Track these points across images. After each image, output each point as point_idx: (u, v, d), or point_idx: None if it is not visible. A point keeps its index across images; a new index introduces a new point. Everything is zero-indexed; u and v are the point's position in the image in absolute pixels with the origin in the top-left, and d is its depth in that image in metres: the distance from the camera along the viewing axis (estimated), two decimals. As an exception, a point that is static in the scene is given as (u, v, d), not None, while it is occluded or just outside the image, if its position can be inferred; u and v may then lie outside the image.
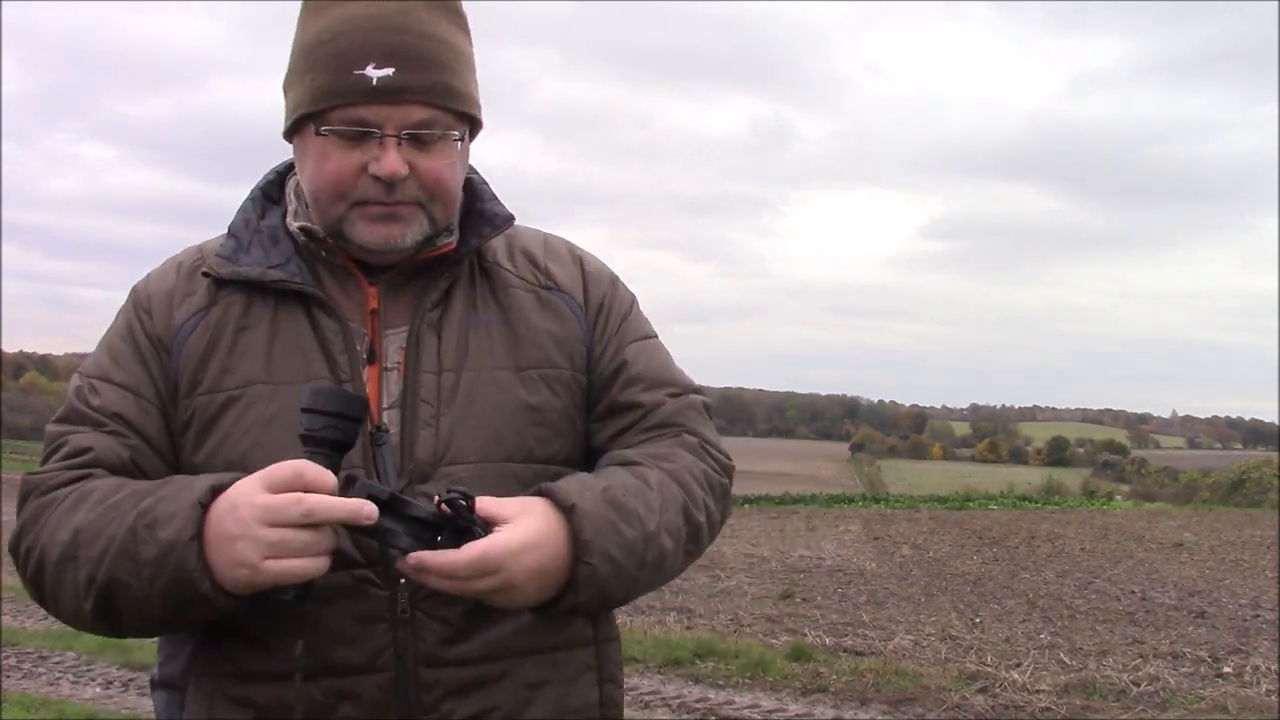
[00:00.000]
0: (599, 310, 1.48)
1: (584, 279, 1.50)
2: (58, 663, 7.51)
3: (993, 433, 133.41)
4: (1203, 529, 19.79)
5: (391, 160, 1.31)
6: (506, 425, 1.36)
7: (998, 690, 7.03)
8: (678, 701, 6.80)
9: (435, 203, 1.36)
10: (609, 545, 1.26)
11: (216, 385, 1.35)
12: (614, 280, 1.54)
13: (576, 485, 1.28)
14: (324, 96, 1.32)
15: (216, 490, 1.20)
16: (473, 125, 1.42)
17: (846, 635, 9.03)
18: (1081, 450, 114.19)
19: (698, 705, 6.72)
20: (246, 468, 1.24)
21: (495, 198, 1.48)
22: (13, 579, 11.25)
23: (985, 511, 26.12)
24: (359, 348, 1.36)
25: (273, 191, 1.48)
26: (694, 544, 1.40)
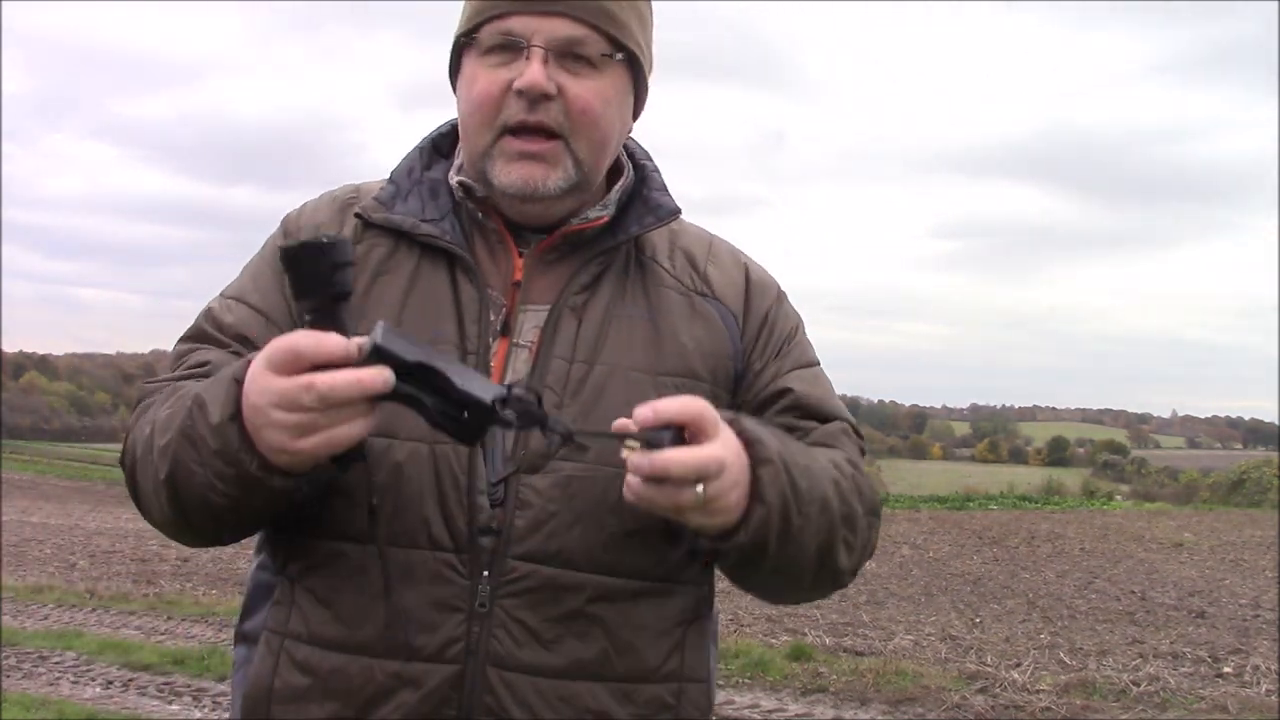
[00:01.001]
0: (760, 326, 1.40)
1: (746, 290, 1.41)
2: (58, 663, 7.50)
3: (993, 433, 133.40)
4: (1203, 529, 19.78)
5: (535, 70, 1.26)
6: None
7: (998, 690, 7.03)
8: (678, 701, 6.80)
9: (580, 137, 1.30)
10: (783, 453, 1.21)
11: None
12: (780, 296, 1.45)
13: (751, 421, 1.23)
14: (476, 13, 1.31)
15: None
16: (636, 77, 1.37)
17: (846, 635, 9.03)
18: (1081, 450, 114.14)
19: (698, 705, 6.71)
20: None
21: (665, 188, 1.42)
22: (13, 579, 11.26)
23: (985, 511, 26.12)
24: (493, 318, 1.32)
25: (443, 145, 1.44)
26: (851, 532, 1.30)
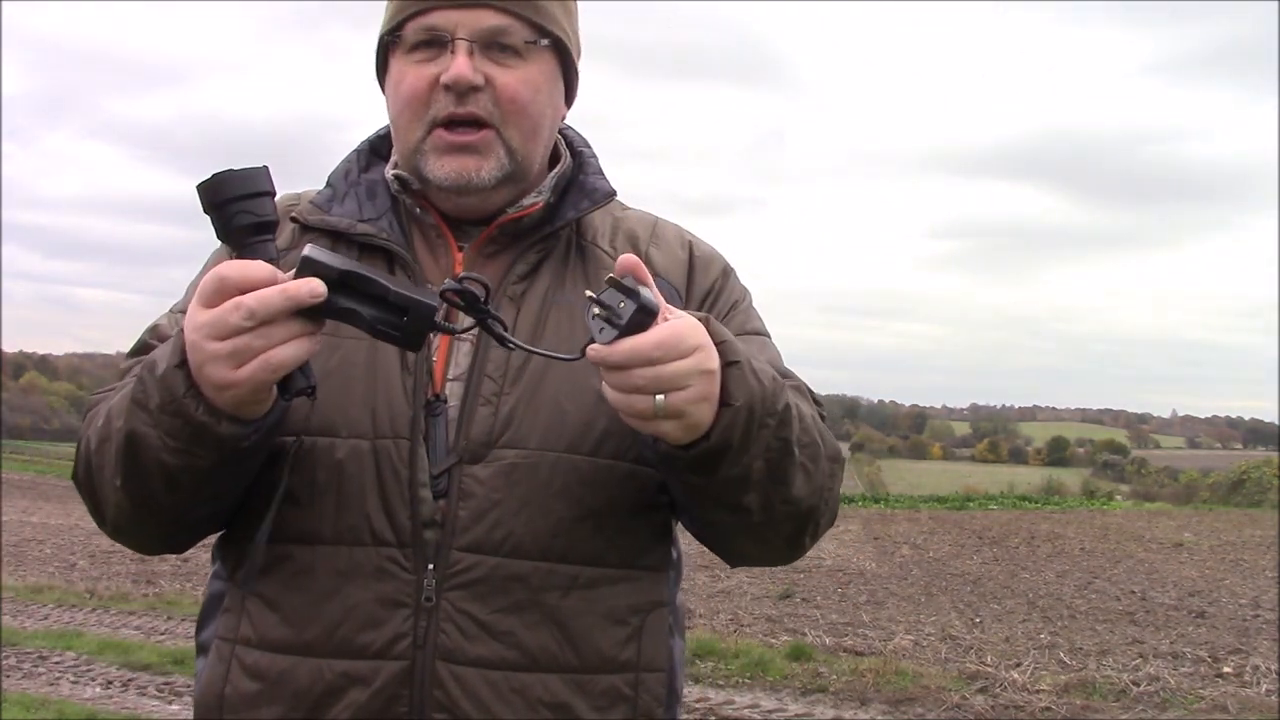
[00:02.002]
0: (704, 299, 1.39)
1: (690, 266, 1.41)
2: (58, 663, 7.51)
3: (993, 433, 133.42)
4: (1203, 529, 19.79)
5: (460, 64, 1.26)
6: (574, 413, 1.26)
7: (998, 690, 7.03)
8: (678, 701, 6.80)
9: (510, 125, 1.30)
10: (749, 357, 1.16)
11: None
12: (726, 270, 1.44)
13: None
14: (398, 11, 1.31)
15: None
16: (565, 63, 1.37)
17: (846, 635, 9.03)
18: (1081, 450, 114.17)
19: (698, 705, 6.72)
20: (305, 419, 1.23)
21: (601, 172, 1.42)
22: (13, 579, 11.26)
23: (985, 511, 26.12)
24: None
25: (381, 147, 1.44)
26: (810, 460, 1.24)
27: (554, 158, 1.41)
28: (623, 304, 1.08)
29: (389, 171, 1.39)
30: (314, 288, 1.06)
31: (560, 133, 1.44)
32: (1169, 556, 15.58)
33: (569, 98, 1.41)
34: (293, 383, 1.13)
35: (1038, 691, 6.98)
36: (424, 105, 1.29)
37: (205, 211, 1.11)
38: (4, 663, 7.27)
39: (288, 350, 1.08)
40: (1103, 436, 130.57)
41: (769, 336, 1.45)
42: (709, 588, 12.13)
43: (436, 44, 1.29)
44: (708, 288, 1.40)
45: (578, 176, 1.40)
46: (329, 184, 1.40)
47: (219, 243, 1.19)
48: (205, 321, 1.08)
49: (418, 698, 1.21)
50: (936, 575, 13.45)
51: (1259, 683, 7.27)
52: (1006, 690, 7.02)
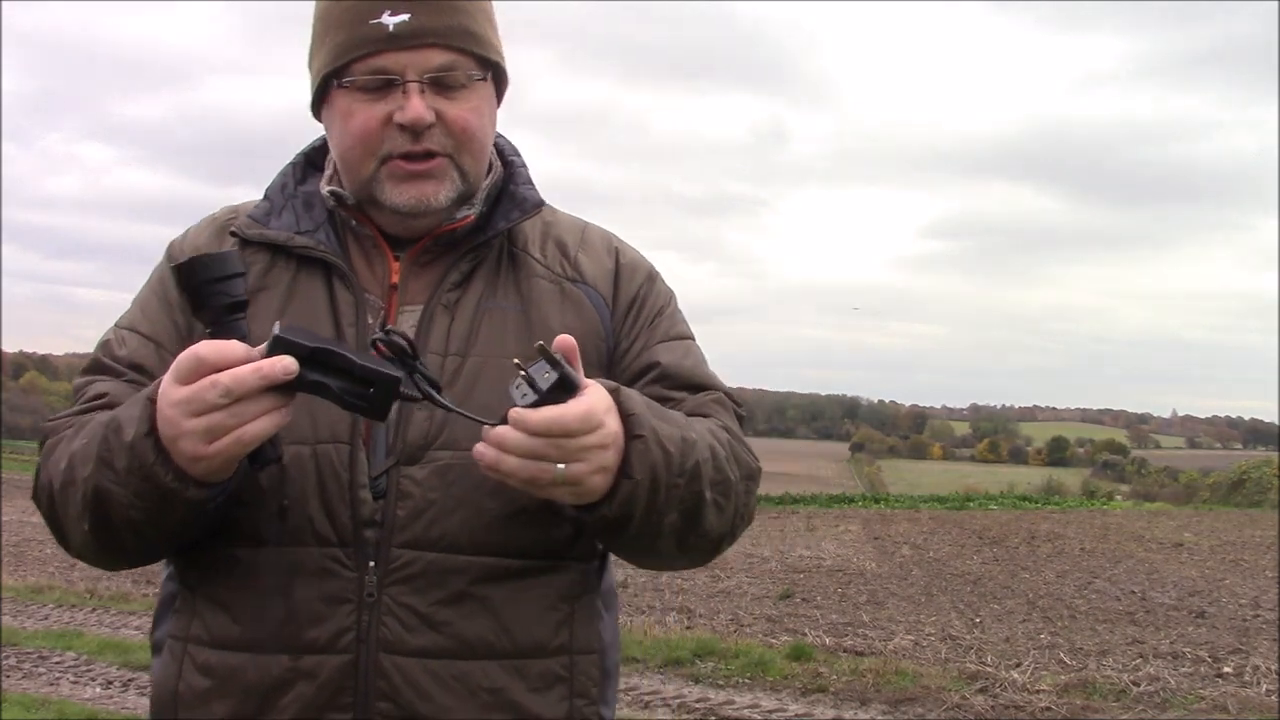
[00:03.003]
0: (630, 305, 1.45)
1: (616, 272, 1.47)
2: (58, 663, 7.51)
3: (993, 433, 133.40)
4: (1203, 529, 19.78)
5: (416, 105, 1.31)
6: (504, 416, 1.29)
7: (998, 690, 7.03)
8: (678, 701, 6.80)
9: (464, 153, 1.36)
10: (657, 429, 1.23)
11: None
12: (651, 275, 1.50)
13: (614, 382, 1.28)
14: (344, 51, 1.33)
15: None
16: (498, 80, 1.42)
17: (846, 635, 9.04)
18: (1081, 450, 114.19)
19: (698, 705, 6.72)
20: None
21: (530, 181, 1.46)
22: (13, 579, 11.26)
23: (985, 511, 26.12)
24: (371, 321, 1.36)
25: (317, 159, 1.48)
26: (723, 496, 1.32)
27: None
28: (547, 374, 1.16)
29: (324, 188, 1.42)
30: (287, 365, 1.12)
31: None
32: (1169, 556, 15.58)
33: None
34: (262, 453, 1.20)
35: (1038, 691, 6.98)
36: (378, 142, 1.34)
37: (180, 291, 1.17)
38: (4, 663, 7.27)
39: (259, 426, 1.14)
40: (1103, 436, 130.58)
41: (693, 339, 1.51)
42: (709, 588, 12.14)
43: (385, 84, 1.33)
44: (633, 294, 1.46)
45: (508, 186, 1.45)
46: (266, 197, 1.45)
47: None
48: (181, 398, 1.13)
49: (362, 689, 1.27)
50: (936, 575, 13.45)
51: (1259, 683, 7.27)
52: (1006, 690, 7.02)
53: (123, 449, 1.19)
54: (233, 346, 1.14)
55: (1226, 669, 7.69)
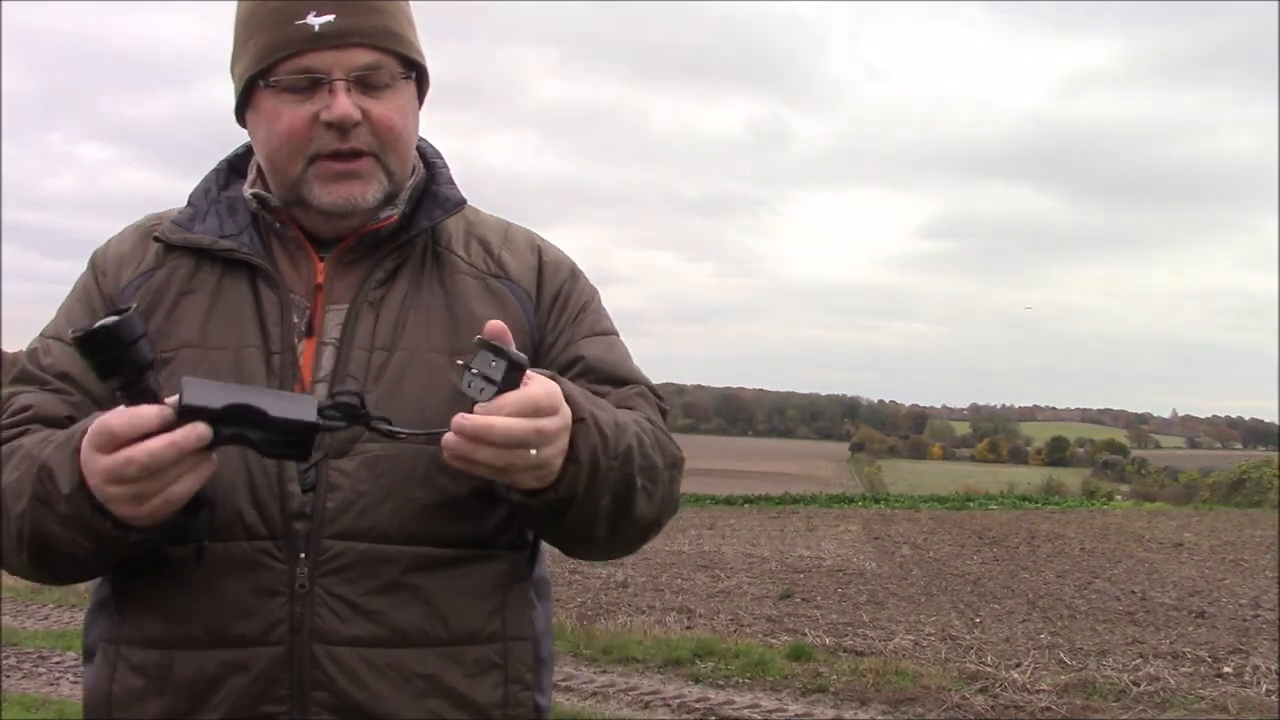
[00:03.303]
0: (554, 301, 1.47)
1: (540, 269, 1.49)
2: (58, 663, 7.51)
3: (993, 433, 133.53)
4: (1203, 529, 19.80)
5: (342, 103, 1.33)
6: (433, 408, 1.32)
7: (998, 690, 7.03)
8: (678, 701, 6.81)
9: (389, 152, 1.37)
10: (595, 412, 1.26)
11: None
12: (574, 272, 1.52)
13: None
14: (269, 52, 1.34)
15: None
16: (420, 81, 1.44)
17: (846, 635, 9.04)
18: (1081, 450, 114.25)
19: (698, 705, 6.73)
20: None
21: (451, 181, 1.49)
22: (13, 579, 11.25)
23: (985, 511, 26.13)
24: (297, 320, 1.37)
25: (240, 165, 1.49)
26: (651, 482, 1.35)
27: None
28: (494, 363, 1.16)
29: (247, 191, 1.44)
30: (200, 434, 1.13)
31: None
32: (1169, 556, 15.59)
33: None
34: (196, 501, 1.21)
35: (1038, 691, 6.98)
36: (305, 141, 1.34)
37: (85, 358, 1.15)
38: (4, 663, 7.27)
39: (184, 485, 1.16)
40: (1103, 436, 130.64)
41: (617, 335, 1.53)
42: (709, 588, 12.14)
43: (311, 84, 1.34)
44: (556, 289, 1.48)
45: (431, 187, 1.47)
46: (190, 203, 1.46)
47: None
48: (102, 469, 1.15)
49: (296, 679, 1.28)
50: (936, 575, 13.46)
51: (1259, 683, 7.27)
52: (1006, 690, 7.03)
53: (61, 499, 1.21)
54: (144, 417, 1.13)
55: (1226, 669, 7.69)
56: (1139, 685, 7.09)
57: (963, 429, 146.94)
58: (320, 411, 1.17)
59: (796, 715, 6.55)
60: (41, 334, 1.44)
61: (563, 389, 1.23)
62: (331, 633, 1.28)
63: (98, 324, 1.13)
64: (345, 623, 1.29)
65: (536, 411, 1.17)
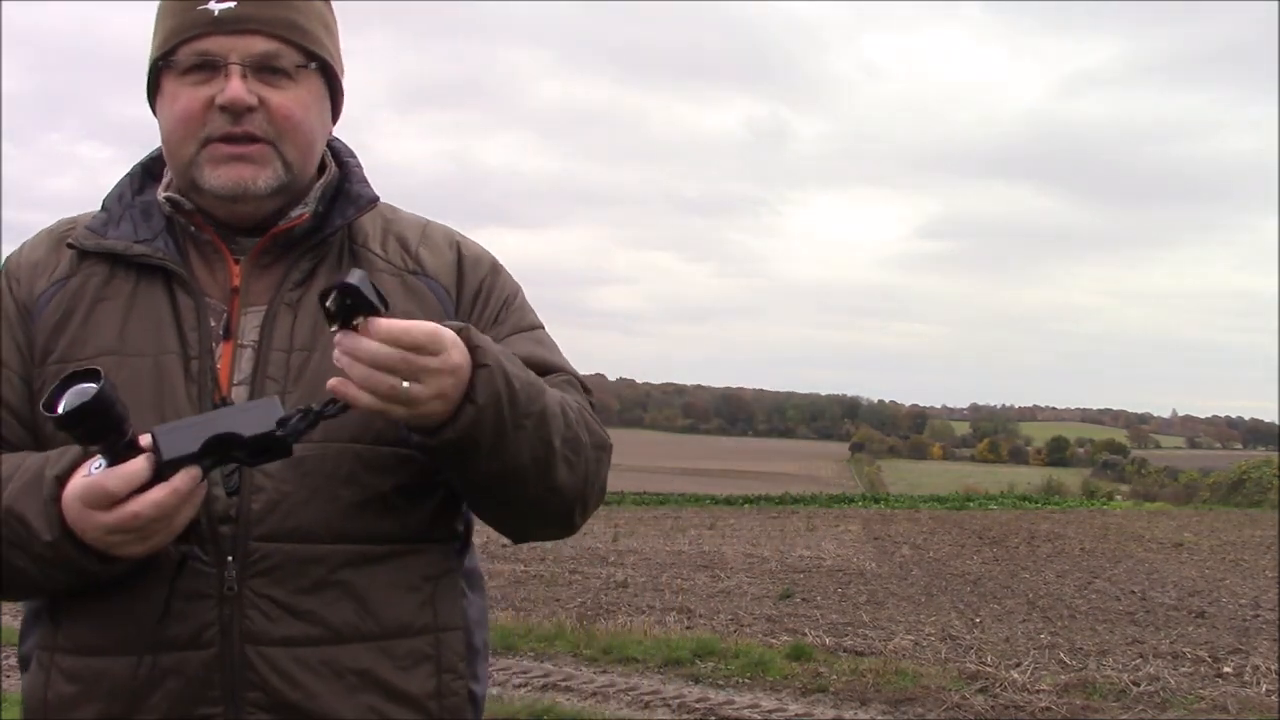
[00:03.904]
0: (475, 296, 1.47)
1: (459, 265, 1.49)
2: (58, 663, 7.51)
3: (993, 433, 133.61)
4: (1203, 529, 19.81)
5: (235, 86, 1.34)
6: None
7: (998, 690, 7.03)
8: (678, 701, 6.80)
9: (286, 141, 1.37)
10: (503, 362, 1.27)
11: (67, 355, 1.36)
12: (495, 267, 1.52)
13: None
14: (171, 35, 1.37)
15: (61, 480, 1.23)
16: (329, 77, 1.44)
17: (846, 635, 9.04)
18: (1081, 450, 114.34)
19: (698, 705, 6.72)
20: None
21: (365, 180, 1.49)
22: (13, 579, 11.25)
23: (985, 511, 26.14)
24: (214, 324, 1.38)
25: (155, 169, 1.49)
26: (573, 453, 1.36)
27: (321, 168, 1.48)
28: (348, 301, 1.18)
29: (161, 194, 1.44)
30: (194, 475, 1.18)
31: (327, 145, 1.50)
32: (1169, 556, 15.60)
33: (336, 113, 1.49)
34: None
35: (1038, 691, 6.98)
36: (199, 124, 1.36)
37: (67, 430, 1.17)
38: (4, 663, 7.27)
39: (183, 517, 1.21)
40: (1103, 436, 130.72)
41: (543, 329, 1.53)
42: (709, 588, 12.14)
43: (209, 67, 1.36)
44: (477, 285, 1.48)
45: (344, 185, 1.47)
46: (104, 207, 1.46)
47: None
48: (107, 525, 1.19)
49: (229, 681, 1.29)
50: (936, 575, 13.46)
51: (1259, 683, 7.27)
52: (1006, 690, 7.02)
53: (44, 547, 1.23)
54: (136, 474, 1.17)
55: (1226, 669, 7.69)
56: (1139, 685, 7.09)
57: (963, 429, 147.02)
58: (280, 423, 1.20)
59: (796, 715, 6.55)
60: None
61: (473, 339, 1.25)
62: (262, 634, 1.29)
63: (75, 404, 1.14)
64: (275, 623, 1.29)
65: (412, 346, 1.18)
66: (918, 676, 7.25)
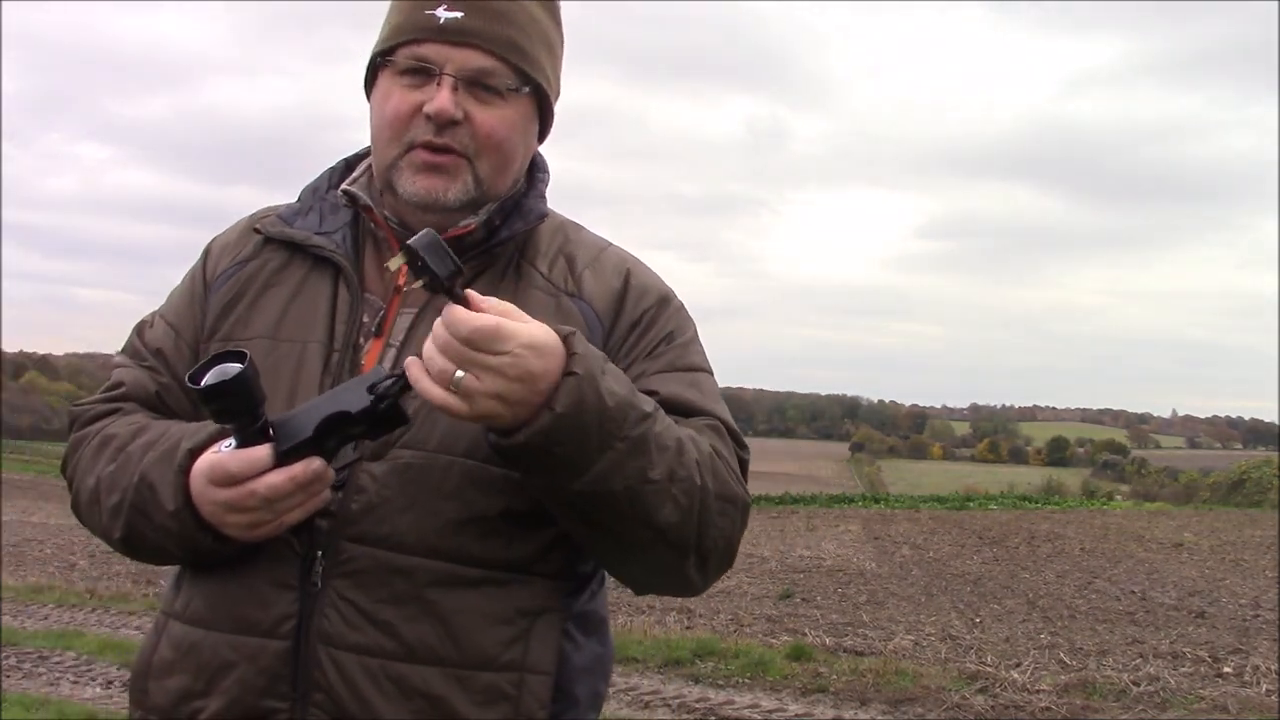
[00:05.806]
0: (633, 327, 1.41)
1: (623, 293, 1.43)
2: (58, 663, 7.50)
3: (993, 433, 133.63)
4: (1203, 529, 19.79)
5: (444, 97, 1.34)
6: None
7: (998, 690, 7.03)
8: (678, 701, 6.80)
9: (483, 158, 1.38)
10: (597, 377, 1.20)
11: (230, 334, 1.41)
12: (664, 301, 1.45)
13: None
14: (394, 34, 1.39)
15: (194, 453, 1.28)
16: (542, 103, 1.44)
17: (846, 635, 9.04)
18: (1081, 450, 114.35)
19: (698, 705, 6.72)
20: None
21: (543, 195, 1.48)
22: (13, 579, 11.26)
23: (985, 511, 26.13)
24: (368, 320, 1.39)
25: (356, 163, 1.52)
26: (684, 495, 1.25)
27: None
28: (419, 263, 1.17)
29: (341, 188, 1.46)
30: (316, 469, 1.23)
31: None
32: (1169, 556, 15.59)
33: (543, 135, 1.49)
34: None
35: (1038, 691, 6.98)
36: (405, 127, 1.37)
37: (202, 406, 1.22)
38: (4, 663, 7.27)
39: (296, 516, 1.25)
40: (1103, 436, 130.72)
41: (705, 372, 1.44)
42: (709, 588, 12.13)
43: (425, 73, 1.37)
44: (638, 316, 1.42)
45: (521, 200, 1.46)
46: (300, 198, 1.50)
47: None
48: (222, 501, 1.24)
49: (300, 678, 1.28)
50: (936, 575, 13.46)
51: (1259, 683, 7.27)
52: (1006, 690, 7.02)
53: (165, 516, 1.28)
54: (259, 459, 1.22)
55: (1226, 669, 7.69)
56: (1139, 685, 7.08)
57: (963, 429, 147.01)
58: (371, 389, 1.21)
59: (796, 715, 6.55)
60: (160, 314, 1.52)
61: (574, 345, 1.19)
62: (336, 636, 1.27)
63: (214, 381, 1.19)
64: (351, 628, 1.27)
65: (464, 338, 1.15)
66: (918, 676, 7.25)
